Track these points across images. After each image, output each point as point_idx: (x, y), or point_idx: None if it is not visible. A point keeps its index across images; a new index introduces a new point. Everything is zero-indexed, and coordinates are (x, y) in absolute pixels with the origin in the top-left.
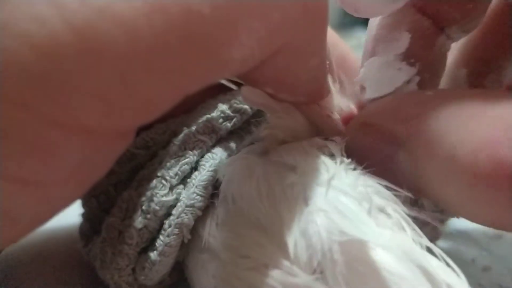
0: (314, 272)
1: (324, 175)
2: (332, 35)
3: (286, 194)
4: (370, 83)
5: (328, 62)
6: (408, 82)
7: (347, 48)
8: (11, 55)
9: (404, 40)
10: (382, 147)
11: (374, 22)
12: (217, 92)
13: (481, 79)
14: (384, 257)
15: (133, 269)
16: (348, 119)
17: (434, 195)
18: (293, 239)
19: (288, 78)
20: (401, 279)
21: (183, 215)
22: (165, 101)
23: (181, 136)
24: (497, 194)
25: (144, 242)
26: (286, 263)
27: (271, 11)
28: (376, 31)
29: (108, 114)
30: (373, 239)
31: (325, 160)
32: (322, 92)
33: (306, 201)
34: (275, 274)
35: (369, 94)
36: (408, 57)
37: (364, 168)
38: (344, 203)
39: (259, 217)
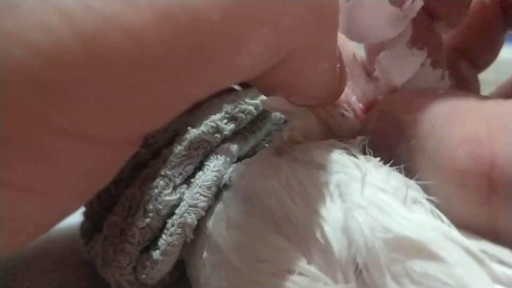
0: (356, 268)
1: (356, 172)
2: (340, 36)
3: (321, 191)
4: (391, 73)
5: (338, 66)
6: (423, 64)
7: (353, 48)
8: (17, 63)
9: (407, 30)
10: (389, 134)
11: None
12: (221, 91)
13: (456, 65)
14: (427, 242)
15: (134, 268)
16: (370, 107)
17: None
18: (335, 236)
19: (298, 82)
20: (446, 260)
21: (186, 214)
22: (173, 108)
23: (186, 136)
24: (472, 192)
25: (146, 241)
26: (311, 268)
27: (280, 17)
28: None
29: (115, 123)
30: (416, 234)
31: (351, 158)
32: (333, 95)
33: (342, 198)
34: (300, 281)
35: (395, 82)
36: (415, 42)
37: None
38: (382, 199)
39: (290, 214)
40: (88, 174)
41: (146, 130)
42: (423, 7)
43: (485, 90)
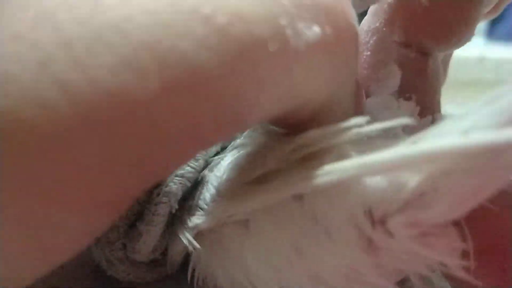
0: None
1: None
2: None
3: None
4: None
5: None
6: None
7: None
8: (13, 143)
9: (396, 77)
10: None
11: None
12: None
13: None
14: None
15: (124, 245)
16: None
17: None
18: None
19: (314, 121)
20: None
21: (171, 183)
22: (177, 164)
23: None
24: None
25: (134, 214)
26: None
27: (289, 72)
28: (366, 71)
29: (116, 190)
30: None
31: None
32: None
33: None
34: None
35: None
36: (403, 92)
37: None
38: None
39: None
40: (82, 234)
41: (145, 188)
42: (417, 46)
43: (484, 90)
